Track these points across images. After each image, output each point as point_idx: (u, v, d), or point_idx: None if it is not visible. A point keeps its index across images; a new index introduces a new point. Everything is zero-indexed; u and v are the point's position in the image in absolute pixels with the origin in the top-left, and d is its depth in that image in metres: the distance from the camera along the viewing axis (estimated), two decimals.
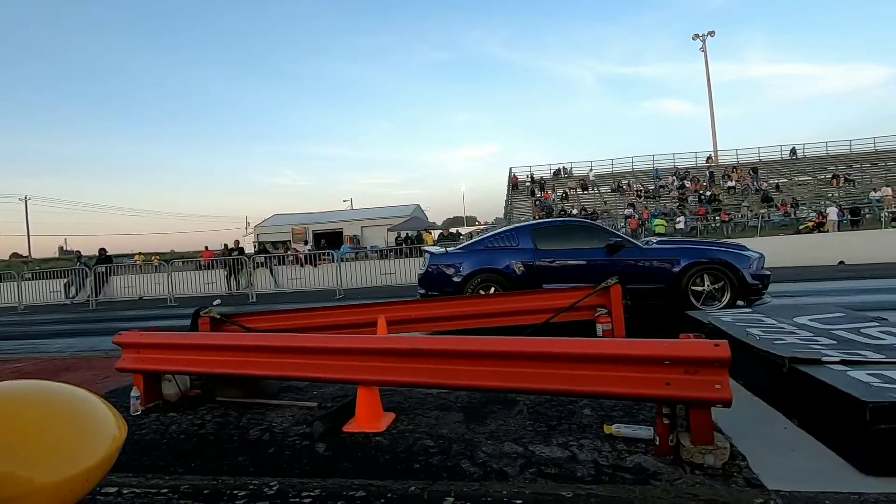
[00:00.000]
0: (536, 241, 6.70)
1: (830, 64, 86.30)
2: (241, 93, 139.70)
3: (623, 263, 6.32)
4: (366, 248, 26.19)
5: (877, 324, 3.80)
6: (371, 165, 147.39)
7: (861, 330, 3.65)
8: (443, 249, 7.26)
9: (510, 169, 40.14)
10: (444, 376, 2.80)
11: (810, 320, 4.10)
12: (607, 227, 7.16)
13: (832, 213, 21.98)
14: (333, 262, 12.39)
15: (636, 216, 28.35)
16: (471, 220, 51.61)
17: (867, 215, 23.53)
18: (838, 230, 20.55)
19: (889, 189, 27.00)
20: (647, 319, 5.74)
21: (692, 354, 2.46)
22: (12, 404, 1.64)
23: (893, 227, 16.76)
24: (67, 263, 22.62)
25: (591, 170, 38.87)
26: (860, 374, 2.65)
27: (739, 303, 6.14)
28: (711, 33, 42.07)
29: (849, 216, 22.94)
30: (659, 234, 24.20)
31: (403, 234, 27.59)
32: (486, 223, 40.93)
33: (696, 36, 42.34)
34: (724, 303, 6.13)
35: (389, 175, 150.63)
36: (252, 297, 12.39)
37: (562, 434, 2.98)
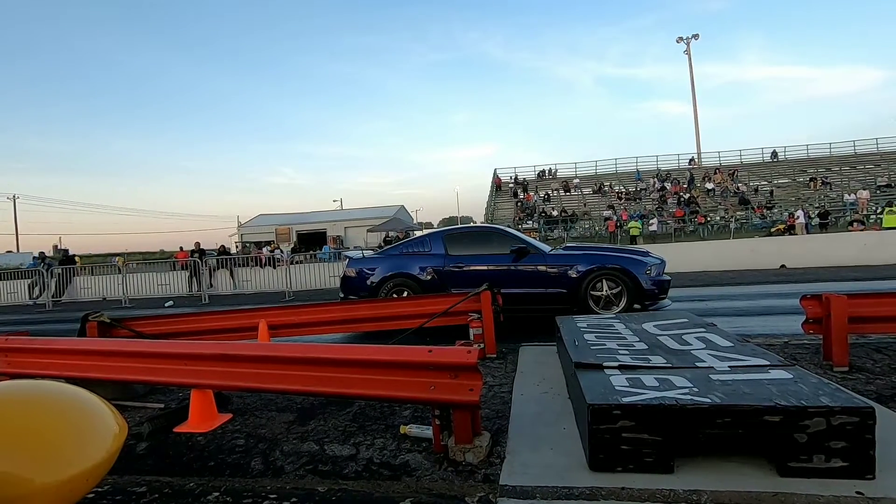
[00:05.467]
0: (448, 247, 6.91)
1: (828, 66, 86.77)
2: (238, 91, 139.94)
3: (527, 269, 6.55)
4: (349, 248, 26.37)
5: (703, 330, 4.00)
6: (369, 165, 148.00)
7: (683, 336, 3.85)
8: (360, 254, 7.47)
9: (494, 170, 40.41)
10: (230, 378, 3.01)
11: (654, 326, 4.30)
12: (519, 234, 7.33)
13: (800, 216, 22.24)
14: (284, 264, 12.59)
15: (615, 218, 28.58)
16: (465, 221, 51.85)
17: (844, 218, 23.74)
18: (807, 233, 20.83)
19: (866, 192, 27.25)
20: (546, 323, 5.94)
21: (450, 361, 2.66)
22: (12, 404, 1.69)
23: (850, 231, 16.91)
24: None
25: (575, 175, 39.18)
26: (619, 378, 2.85)
27: (636, 306, 6.35)
28: (696, 36, 42.44)
29: (818, 219, 23.27)
30: (638, 236, 24.47)
31: (393, 234, 27.84)
32: (481, 223, 41.18)
33: (681, 39, 42.70)
34: (621, 307, 6.32)
35: (388, 174, 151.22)
36: (204, 299, 12.60)
37: (366, 433, 3.19)
